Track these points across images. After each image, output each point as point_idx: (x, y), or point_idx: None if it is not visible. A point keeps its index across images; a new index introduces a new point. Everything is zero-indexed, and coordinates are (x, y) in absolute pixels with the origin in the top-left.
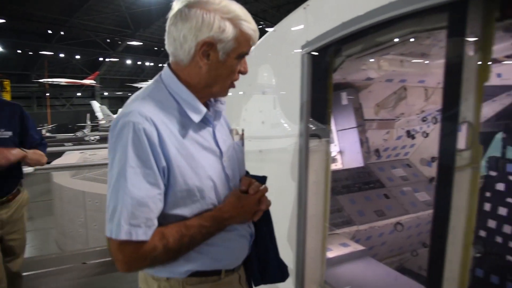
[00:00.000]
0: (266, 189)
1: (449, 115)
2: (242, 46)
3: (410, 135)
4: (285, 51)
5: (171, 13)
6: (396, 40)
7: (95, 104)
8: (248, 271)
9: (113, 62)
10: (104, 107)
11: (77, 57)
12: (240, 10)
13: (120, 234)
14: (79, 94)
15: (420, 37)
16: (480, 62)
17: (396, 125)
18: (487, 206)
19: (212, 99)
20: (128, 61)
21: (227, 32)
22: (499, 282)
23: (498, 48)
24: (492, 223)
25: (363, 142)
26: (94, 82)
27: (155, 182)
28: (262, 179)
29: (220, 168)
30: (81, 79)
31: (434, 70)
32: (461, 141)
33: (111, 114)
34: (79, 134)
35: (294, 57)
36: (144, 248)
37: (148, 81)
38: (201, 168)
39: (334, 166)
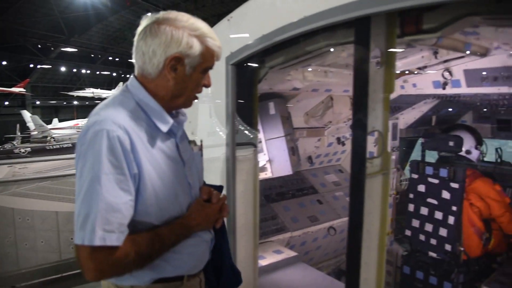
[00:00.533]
0: (225, 197)
1: (359, 125)
2: (207, 61)
3: (340, 141)
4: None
5: (139, 28)
6: (314, 52)
7: (26, 114)
8: (205, 276)
9: (45, 69)
10: (36, 117)
11: (4, 63)
12: (206, 28)
13: (95, 239)
14: (7, 103)
15: (336, 50)
16: (384, 75)
17: (327, 132)
18: (411, 207)
19: (173, 112)
20: (63, 68)
21: (194, 48)
22: (423, 277)
23: (411, 61)
24: (416, 223)
25: (294, 150)
26: (24, 90)
27: (128, 188)
28: (219, 188)
29: (183, 177)
30: (10, 87)
31: None
32: (371, 149)
33: (44, 124)
34: (7, 146)
35: (219, 68)
36: (117, 254)
37: (85, 90)
38: (167, 177)
39: (264, 175)
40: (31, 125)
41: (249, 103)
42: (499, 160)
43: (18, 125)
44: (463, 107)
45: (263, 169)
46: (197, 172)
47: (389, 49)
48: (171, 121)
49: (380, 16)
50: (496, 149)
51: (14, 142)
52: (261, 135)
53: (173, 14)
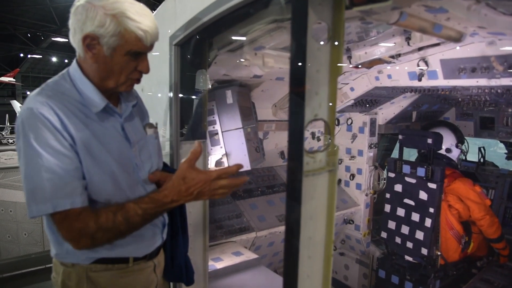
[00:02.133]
0: (228, 170)
1: (296, 112)
2: (129, 44)
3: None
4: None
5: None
6: (260, 29)
7: (16, 104)
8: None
9: (36, 59)
10: None
11: None
12: (128, 8)
13: (46, 208)
14: None
15: (286, 28)
16: (330, 52)
17: None
18: (388, 208)
19: (124, 93)
20: (54, 59)
21: (107, 27)
22: (398, 282)
23: (383, 48)
24: (392, 224)
25: (258, 144)
26: (14, 80)
27: (67, 155)
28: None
29: (129, 157)
30: None
31: None
32: (313, 141)
33: None
34: None
35: (163, 50)
36: (77, 223)
37: None
38: (102, 155)
39: None
40: None
41: (195, 88)
42: (482, 160)
43: (7, 115)
44: (444, 103)
45: (219, 163)
46: (150, 154)
47: (336, 21)
48: (103, 102)
49: None
50: (479, 149)
51: (3, 133)
52: (217, 126)
53: None
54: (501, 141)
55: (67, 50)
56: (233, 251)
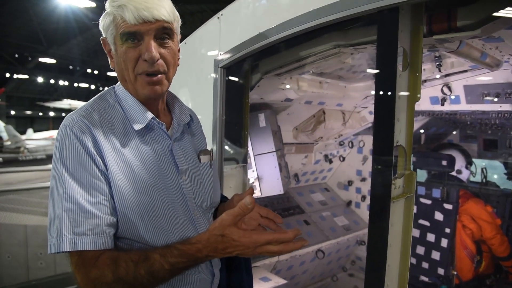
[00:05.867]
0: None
1: (383, 138)
2: (119, 27)
3: (327, 159)
4: (197, 66)
5: None
6: (318, 55)
7: None
8: None
9: (22, 79)
10: (10, 126)
11: None
12: None
13: (63, 244)
14: None
15: (343, 54)
16: (409, 79)
17: (315, 149)
18: None
19: (176, 111)
20: (40, 79)
21: (105, 22)
22: None
23: None
24: None
25: (282, 167)
26: None
27: (96, 186)
28: None
29: (175, 187)
30: None
31: (351, 93)
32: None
33: (18, 134)
34: None
35: (206, 72)
36: (94, 271)
37: (62, 101)
38: (142, 184)
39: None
40: (4, 135)
41: (240, 113)
42: (484, 181)
43: None
44: (452, 125)
45: (251, 187)
46: (204, 186)
47: (415, 48)
48: (146, 116)
49: (406, 8)
50: (482, 169)
51: None
52: (249, 150)
53: None
54: (502, 163)
55: (54, 71)
56: (260, 277)
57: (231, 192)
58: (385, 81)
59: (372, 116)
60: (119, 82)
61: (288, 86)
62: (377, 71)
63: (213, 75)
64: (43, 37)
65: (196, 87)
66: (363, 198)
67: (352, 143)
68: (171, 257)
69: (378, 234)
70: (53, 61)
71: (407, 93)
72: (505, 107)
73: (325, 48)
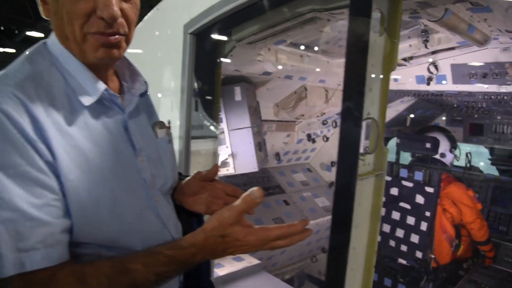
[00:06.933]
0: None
1: (351, 110)
2: None
3: (310, 138)
4: (166, 32)
5: None
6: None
7: None
8: None
9: (8, 53)
10: None
11: None
12: None
13: (5, 268)
14: None
15: (320, 20)
16: (385, 46)
17: (297, 128)
18: (383, 211)
19: (128, 79)
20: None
21: None
22: (391, 285)
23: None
24: (386, 228)
25: (261, 145)
26: None
27: (41, 182)
28: None
29: (134, 171)
30: None
31: (335, 69)
32: (364, 142)
33: None
34: None
35: (175, 39)
36: None
37: None
38: (98, 167)
39: (225, 171)
40: None
41: (211, 84)
42: (468, 165)
43: None
44: (439, 108)
45: (224, 164)
46: (164, 166)
47: (393, 12)
48: (97, 87)
49: None
50: (466, 154)
51: None
52: (224, 125)
53: None
54: (487, 148)
55: None
56: (233, 257)
57: (200, 168)
58: (356, 46)
59: None
60: (53, 35)
61: (261, 58)
62: (349, 34)
63: (181, 42)
64: (31, 9)
65: (165, 56)
66: None
67: (335, 122)
68: (157, 266)
69: (342, 213)
70: (42, 35)
71: (381, 61)
72: (492, 88)
73: (299, 12)
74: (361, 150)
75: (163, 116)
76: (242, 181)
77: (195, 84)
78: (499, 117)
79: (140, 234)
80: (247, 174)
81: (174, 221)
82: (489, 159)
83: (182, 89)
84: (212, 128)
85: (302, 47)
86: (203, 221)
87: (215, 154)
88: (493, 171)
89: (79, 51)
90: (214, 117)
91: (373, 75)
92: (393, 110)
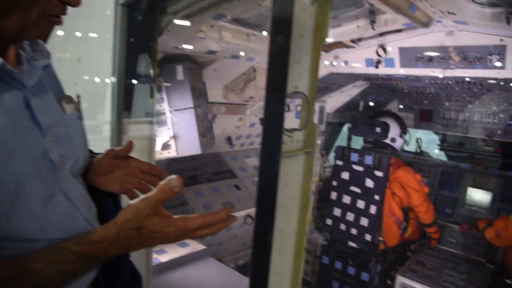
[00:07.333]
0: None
1: (278, 82)
2: None
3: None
4: (94, 3)
5: None
6: None
7: None
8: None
9: None
10: None
11: None
12: None
13: None
14: None
15: None
16: (316, 15)
17: (249, 111)
18: (334, 195)
19: (27, 48)
20: None
21: None
22: (341, 267)
23: (345, 30)
24: (337, 212)
25: (208, 127)
26: None
27: None
28: None
29: (40, 152)
30: None
31: None
32: (292, 118)
33: None
34: None
35: (106, 9)
36: None
37: None
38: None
39: (167, 153)
40: None
41: (145, 61)
42: (418, 150)
43: None
44: (390, 94)
45: (166, 146)
46: (73, 144)
47: None
48: None
49: None
50: (417, 139)
51: None
52: (165, 105)
53: None
54: (435, 133)
55: None
56: (178, 243)
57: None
58: (281, 16)
59: None
60: None
61: (203, 35)
62: (273, 4)
63: (113, 15)
64: None
65: (94, 31)
66: None
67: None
68: (63, 264)
69: (267, 193)
70: None
71: (312, 32)
72: (437, 72)
73: None
74: (288, 126)
75: (93, 100)
76: (191, 165)
77: (129, 62)
78: (447, 104)
79: (50, 221)
80: (197, 159)
81: (88, 203)
82: (438, 144)
83: (114, 66)
84: (148, 109)
85: (246, 27)
86: (119, 201)
87: (152, 137)
88: (442, 156)
89: (16, 26)
90: (150, 96)
91: (301, 46)
92: (346, 94)
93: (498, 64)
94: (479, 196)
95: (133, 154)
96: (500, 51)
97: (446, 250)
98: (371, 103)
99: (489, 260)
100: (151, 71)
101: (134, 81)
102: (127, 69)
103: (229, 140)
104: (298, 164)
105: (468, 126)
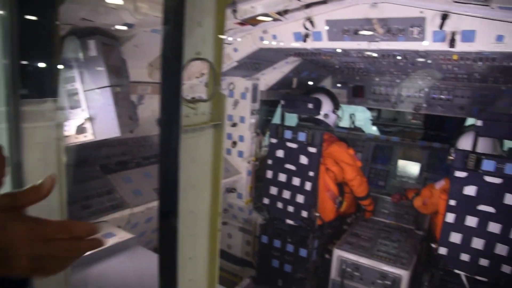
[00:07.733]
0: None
1: (174, 47)
2: None
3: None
4: None
5: None
6: None
7: None
8: None
9: None
10: None
11: None
12: None
13: None
14: None
15: None
16: None
17: None
18: (269, 174)
19: None
20: None
21: None
22: (280, 245)
23: (270, 2)
24: (274, 190)
25: (128, 108)
26: None
27: None
28: None
29: None
30: None
31: None
32: (194, 88)
33: None
34: None
35: None
36: None
37: None
38: None
39: (83, 137)
40: None
41: (46, 33)
42: (352, 126)
43: None
44: (323, 70)
45: (81, 129)
46: None
47: None
48: None
49: None
50: (350, 115)
51: None
52: (77, 85)
53: None
54: (368, 108)
55: None
56: (103, 233)
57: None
58: None
59: (237, 54)
60: None
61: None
62: None
63: None
64: None
65: None
66: (234, 144)
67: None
68: None
69: (168, 172)
70: None
71: None
72: (363, 45)
73: None
74: (190, 97)
75: None
76: (120, 150)
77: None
78: (377, 79)
79: None
80: (126, 143)
81: None
82: (371, 119)
83: (3, 38)
84: (50, 87)
85: None
86: None
87: (60, 118)
88: (374, 131)
89: None
90: (53, 75)
91: (202, 7)
92: (279, 72)
93: (419, 36)
94: (408, 167)
95: (36, 147)
96: (420, 23)
97: (380, 220)
98: (307, 81)
99: (418, 227)
100: (53, 46)
101: (32, 58)
102: (21, 43)
103: (159, 122)
104: (206, 138)
105: (398, 101)
